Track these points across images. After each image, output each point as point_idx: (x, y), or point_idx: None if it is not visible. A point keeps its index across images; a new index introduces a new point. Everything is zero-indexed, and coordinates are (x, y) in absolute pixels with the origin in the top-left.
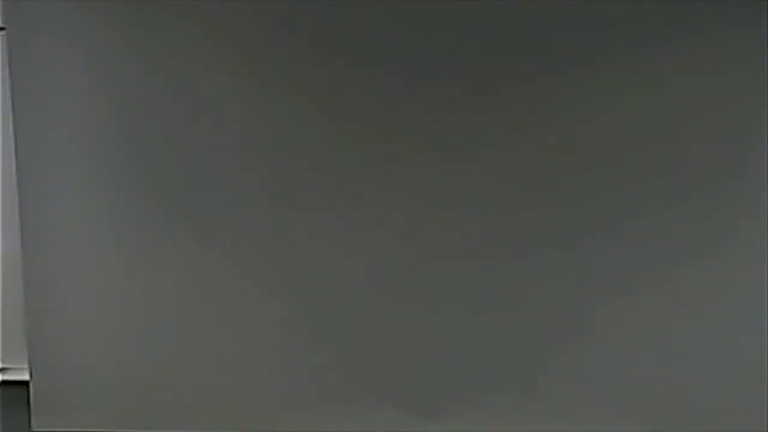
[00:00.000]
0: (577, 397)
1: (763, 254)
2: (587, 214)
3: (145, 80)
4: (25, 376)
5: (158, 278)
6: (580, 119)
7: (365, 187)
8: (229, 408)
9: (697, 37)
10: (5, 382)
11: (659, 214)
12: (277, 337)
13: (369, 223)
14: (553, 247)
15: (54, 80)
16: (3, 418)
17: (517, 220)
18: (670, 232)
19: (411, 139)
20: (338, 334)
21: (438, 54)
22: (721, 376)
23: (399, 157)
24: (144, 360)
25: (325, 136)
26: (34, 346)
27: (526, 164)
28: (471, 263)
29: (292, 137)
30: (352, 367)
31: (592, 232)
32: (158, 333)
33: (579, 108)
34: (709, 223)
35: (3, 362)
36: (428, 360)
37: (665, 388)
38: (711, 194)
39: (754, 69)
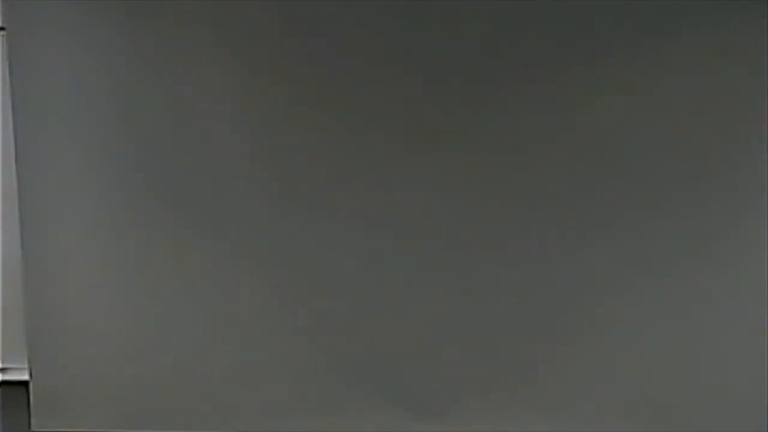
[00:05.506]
0: (578, 398)
1: (763, 253)
2: (587, 213)
3: (146, 80)
4: (25, 376)
5: (158, 279)
6: (580, 117)
7: (365, 187)
8: (229, 408)
9: (697, 36)
10: (5, 382)
11: (659, 212)
12: (277, 337)
13: (369, 222)
14: (553, 247)
15: (54, 80)
16: (3, 418)
17: (518, 221)
18: (670, 229)
19: (414, 136)
20: (338, 334)
21: (440, 52)
22: (721, 376)
23: (402, 156)
24: (144, 360)
25: (330, 134)
26: (34, 346)
27: (527, 161)
28: (472, 262)
29: (297, 135)
30: (352, 367)
31: (592, 231)
32: (158, 334)
33: (578, 105)
34: (710, 221)
35: (3, 362)
36: (429, 360)
37: (665, 388)
38: (711, 192)
39: (754, 68)
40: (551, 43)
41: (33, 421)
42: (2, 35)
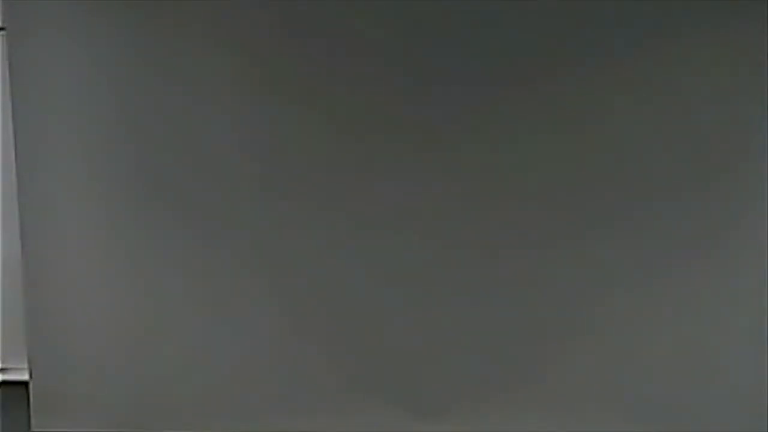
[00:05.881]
0: (577, 397)
1: (763, 253)
2: (587, 213)
3: (146, 80)
4: (25, 376)
5: (158, 279)
6: (580, 117)
7: (366, 188)
8: (229, 408)
9: (698, 37)
10: (5, 382)
11: (660, 212)
12: (277, 337)
13: (370, 223)
14: (554, 246)
15: (54, 80)
16: (3, 418)
17: (519, 221)
18: (670, 230)
19: (414, 137)
20: (338, 334)
21: (441, 54)
22: (721, 376)
23: (403, 157)
24: (143, 361)
25: (331, 135)
26: (34, 347)
27: (528, 162)
28: (472, 262)
29: (298, 135)
30: (352, 367)
31: (592, 231)
32: (158, 334)
33: (580, 106)
34: (710, 221)
35: (3, 362)
36: (428, 360)
37: (665, 388)
38: (711, 192)
39: (754, 69)
40: (551, 43)
41: (33, 421)
42: (2, 35)
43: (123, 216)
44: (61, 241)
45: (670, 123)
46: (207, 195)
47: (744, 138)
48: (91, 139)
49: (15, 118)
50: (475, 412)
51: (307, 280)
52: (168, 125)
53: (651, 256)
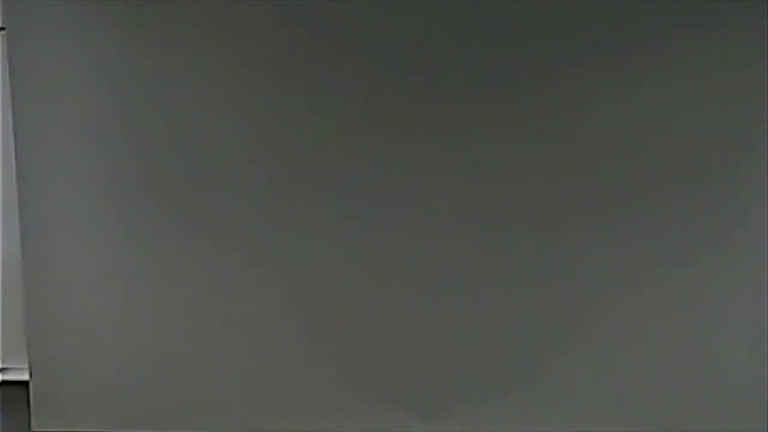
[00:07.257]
0: (577, 398)
1: (763, 254)
2: (588, 215)
3: (146, 80)
4: (25, 376)
5: (158, 279)
6: (580, 118)
7: (366, 189)
8: (229, 408)
9: (698, 37)
10: (5, 382)
11: (660, 213)
12: (278, 338)
13: (370, 224)
14: (554, 247)
15: (54, 80)
16: (3, 418)
17: (519, 221)
18: (671, 230)
19: (416, 138)
20: (339, 335)
21: (441, 54)
22: (721, 376)
23: (403, 158)
24: (144, 361)
25: (332, 137)
26: (34, 347)
27: (528, 162)
28: (473, 263)
29: (299, 137)
30: (352, 367)
31: (593, 232)
32: (158, 334)
33: (579, 107)
34: (710, 221)
35: (3, 362)
36: (428, 360)
37: (665, 388)
38: (711, 193)
39: (754, 69)
40: (553, 44)
41: (33, 421)
42: (2, 35)
43: (123, 216)
44: (61, 241)
45: (670, 123)
46: (206, 195)
47: (744, 138)
48: (91, 139)
49: (15, 118)
50: (475, 412)
51: (308, 281)
52: (168, 125)
53: (651, 257)
